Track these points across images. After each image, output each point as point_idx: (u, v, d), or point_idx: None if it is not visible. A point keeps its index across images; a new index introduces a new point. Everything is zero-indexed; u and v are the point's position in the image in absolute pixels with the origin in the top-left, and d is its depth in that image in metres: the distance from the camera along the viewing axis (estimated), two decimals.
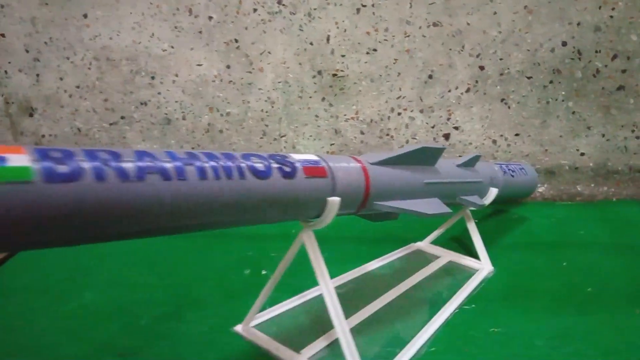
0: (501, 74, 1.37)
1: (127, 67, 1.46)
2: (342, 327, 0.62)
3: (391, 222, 0.83)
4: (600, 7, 1.29)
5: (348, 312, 0.77)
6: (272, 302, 0.81)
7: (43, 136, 1.58)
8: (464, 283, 0.91)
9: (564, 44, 1.33)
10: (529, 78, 1.37)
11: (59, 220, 0.38)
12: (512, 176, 1.13)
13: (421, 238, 1.12)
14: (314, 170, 0.59)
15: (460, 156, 1.22)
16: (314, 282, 0.64)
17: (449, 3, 1.32)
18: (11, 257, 1.04)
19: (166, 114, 1.49)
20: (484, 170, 1.00)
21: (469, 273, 0.96)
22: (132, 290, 0.90)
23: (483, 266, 0.98)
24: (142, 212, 0.43)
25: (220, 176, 0.48)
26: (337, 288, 0.89)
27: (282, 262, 0.70)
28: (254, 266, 1.00)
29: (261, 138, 1.49)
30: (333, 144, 1.48)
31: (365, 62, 1.39)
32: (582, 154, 1.44)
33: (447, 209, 0.78)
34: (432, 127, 1.44)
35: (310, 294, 0.84)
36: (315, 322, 0.76)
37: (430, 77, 1.39)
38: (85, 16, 1.44)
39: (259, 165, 0.53)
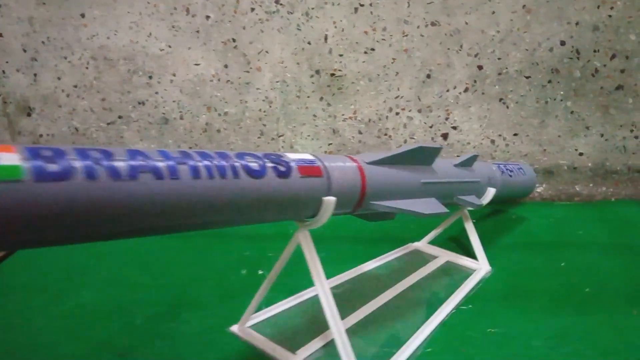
0: (499, 74, 1.37)
1: (124, 67, 1.46)
2: (337, 327, 0.62)
3: (389, 222, 0.82)
4: (598, 7, 1.29)
5: (345, 312, 0.77)
6: (268, 302, 0.80)
7: (41, 136, 1.57)
8: (462, 283, 0.90)
9: (563, 43, 1.33)
10: (527, 78, 1.37)
11: (50, 220, 0.37)
12: (510, 176, 1.13)
13: (419, 238, 1.12)
14: (309, 170, 0.58)
15: (458, 156, 1.22)
16: (310, 282, 0.63)
17: (447, 2, 1.32)
18: (9, 256, 1.03)
19: (164, 113, 1.49)
20: (481, 170, 0.99)
21: (466, 273, 0.96)
22: (129, 289, 0.90)
23: (481, 266, 0.98)
24: (134, 212, 0.42)
25: (214, 175, 0.48)
26: (334, 288, 0.89)
27: (277, 262, 0.69)
28: (251, 266, 0.99)
29: (259, 138, 1.48)
30: (331, 144, 1.47)
31: (363, 62, 1.39)
32: (581, 154, 1.43)
33: (444, 209, 0.77)
34: (430, 127, 1.43)
35: (306, 294, 0.84)
36: (311, 322, 0.76)
37: (428, 76, 1.39)
38: (82, 16, 1.44)
39: (253, 165, 0.52)
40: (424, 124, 1.43)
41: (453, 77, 1.38)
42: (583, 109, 1.39)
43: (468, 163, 0.94)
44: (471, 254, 1.02)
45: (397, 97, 1.41)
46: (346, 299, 0.84)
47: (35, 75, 1.51)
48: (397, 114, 1.43)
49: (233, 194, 0.49)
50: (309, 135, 1.47)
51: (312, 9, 1.35)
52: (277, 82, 1.43)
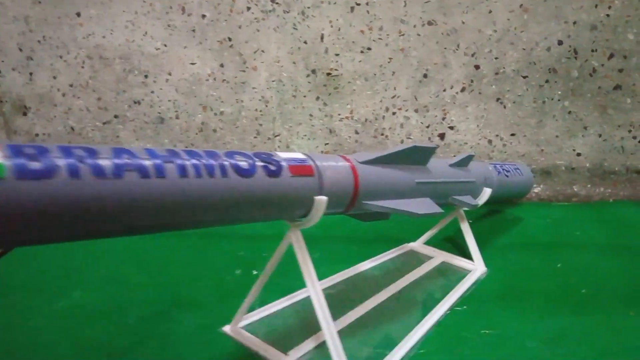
0: (496, 73, 1.36)
1: (120, 66, 1.45)
2: (329, 329, 0.61)
3: (384, 222, 0.82)
4: (596, 6, 1.29)
5: (338, 313, 0.77)
6: (262, 302, 0.80)
7: (37, 135, 1.57)
8: (457, 284, 0.90)
9: (560, 42, 1.33)
10: (524, 77, 1.36)
11: (32, 218, 0.37)
12: (507, 176, 1.12)
13: (414, 238, 1.11)
14: (300, 169, 0.58)
15: (454, 156, 1.21)
16: (304, 283, 0.63)
17: (444, 2, 1.31)
18: (3, 255, 1.03)
19: (159, 113, 1.48)
20: (477, 170, 0.99)
21: (462, 274, 0.95)
22: (123, 289, 0.90)
23: (476, 267, 0.97)
24: (119, 210, 0.42)
25: (202, 174, 0.47)
26: (328, 289, 0.88)
27: (269, 262, 0.69)
28: (246, 266, 0.99)
29: (255, 137, 1.48)
30: (327, 144, 1.47)
31: (360, 61, 1.38)
32: (579, 154, 1.43)
33: (438, 209, 0.77)
34: (427, 127, 1.43)
35: (299, 295, 0.84)
36: (303, 323, 0.75)
37: (425, 76, 1.38)
38: (78, 15, 1.43)
39: (243, 164, 0.52)
40: (421, 124, 1.43)
41: (450, 77, 1.38)
42: (581, 109, 1.38)
43: (463, 163, 0.94)
44: (467, 255, 1.01)
45: (393, 97, 1.41)
46: (340, 300, 0.84)
47: (31, 74, 1.51)
48: (394, 113, 1.42)
49: (221, 193, 0.49)
50: (305, 135, 1.46)
51: (308, 8, 1.34)
52: (273, 81, 1.42)
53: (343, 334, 0.72)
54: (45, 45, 1.47)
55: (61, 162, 0.38)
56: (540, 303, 0.85)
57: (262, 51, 1.39)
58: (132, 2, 1.39)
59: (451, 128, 1.43)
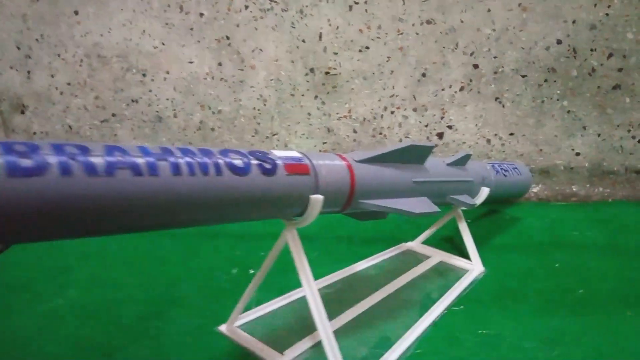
0: (495, 73, 1.36)
1: (118, 65, 1.45)
2: (325, 328, 0.61)
3: (382, 222, 0.81)
4: (595, 5, 1.28)
5: (335, 313, 0.77)
6: (258, 302, 0.79)
7: (34, 133, 1.56)
8: (454, 284, 0.89)
9: (559, 42, 1.32)
10: (523, 77, 1.36)
11: (23, 216, 0.36)
12: (505, 176, 1.12)
13: (412, 238, 1.11)
14: (296, 168, 0.57)
15: (452, 155, 1.21)
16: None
17: (443, 0, 1.31)
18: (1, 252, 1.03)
19: (157, 111, 1.48)
20: (475, 170, 0.98)
21: (459, 274, 0.95)
22: (118, 288, 0.89)
23: (474, 267, 0.97)
24: (110, 208, 0.41)
25: (195, 172, 0.47)
26: (326, 288, 0.88)
27: (265, 261, 0.68)
28: (243, 265, 0.99)
29: (253, 136, 1.47)
30: (325, 143, 1.46)
31: (358, 60, 1.38)
32: (578, 154, 1.42)
33: (435, 208, 0.76)
34: (426, 126, 1.42)
35: (296, 294, 0.83)
36: (300, 322, 0.75)
37: (423, 75, 1.38)
38: (76, 13, 1.43)
39: (237, 162, 0.51)
40: (419, 123, 1.42)
41: (448, 76, 1.37)
42: (580, 108, 1.38)
43: (461, 162, 0.93)
44: (464, 255, 1.01)
45: (392, 96, 1.40)
46: (337, 299, 0.83)
47: (28, 72, 1.50)
48: (392, 112, 1.42)
49: (215, 191, 0.49)
50: (303, 134, 1.46)
51: (307, 6, 1.34)
52: (272, 80, 1.42)
53: (339, 333, 0.72)
54: (43, 43, 1.47)
55: (52, 159, 0.38)
56: (537, 303, 0.84)
57: (260, 50, 1.39)
58: (129, 0, 1.38)
59: (450, 127, 1.42)
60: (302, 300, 0.81)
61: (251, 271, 0.96)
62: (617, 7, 1.28)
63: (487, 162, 1.09)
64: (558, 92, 1.37)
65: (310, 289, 0.61)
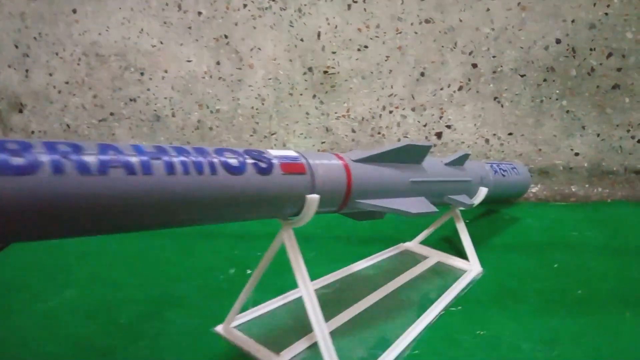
0: (494, 72, 1.35)
1: (116, 63, 1.45)
2: (321, 330, 0.60)
3: (380, 222, 0.81)
4: (595, 4, 1.28)
5: (332, 313, 0.76)
6: (255, 302, 0.79)
7: (32, 132, 1.56)
8: (452, 284, 0.89)
9: (558, 41, 1.32)
10: (522, 76, 1.36)
11: (14, 214, 0.36)
12: (504, 176, 1.12)
13: (410, 238, 1.10)
14: (292, 167, 0.57)
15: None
16: None
17: None
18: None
19: (155, 110, 1.47)
20: (473, 169, 0.98)
21: (457, 274, 0.94)
22: (115, 288, 0.89)
23: (472, 267, 0.96)
24: (103, 208, 0.41)
25: (190, 171, 0.46)
26: (323, 288, 0.87)
27: (262, 261, 0.68)
28: (240, 265, 0.98)
29: (251, 136, 1.47)
30: (324, 142, 1.46)
31: (357, 59, 1.37)
32: (577, 154, 1.42)
33: (433, 208, 0.76)
34: (424, 126, 1.42)
35: (293, 295, 0.83)
36: (296, 323, 0.75)
37: (422, 74, 1.37)
38: (74, 11, 1.42)
39: (232, 161, 0.51)
40: (418, 123, 1.42)
41: (447, 75, 1.37)
42: (579, 108, 1.37)
43: (459, 162, 0.93)
44: (463, 255, 1.00)
45: (390, 95, 1.40)
46: (335, 299, 0.83)
47: (27, 71, 1.50)
48: (391, 112, 1.41)
49: (210, 190, 0.48)
50: (301, 134, 1.45)
51: (305, 5, 1.33)
52: (270, 79, 1.41)
53: (337, 334, 0.71)
54: (41, 42, 1.47)
55: (44, 157, 0.38)
56: (535, 304, 0.84)
57: (259, 49, 1.39)
58: None
59: (448, 127, 1.42)
60: (299, 301, 0.81)
61: (249, 271, 0.95)
62: (617, 7, 1.27)
63: (486, 161, 1.08)
64: (557, 91, 1.36)
65: (306, 289, 0.61)
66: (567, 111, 1.38)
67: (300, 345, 0.69)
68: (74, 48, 1.45)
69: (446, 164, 0.89)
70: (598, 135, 1.39)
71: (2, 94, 1.53)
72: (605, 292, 0.88)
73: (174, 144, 1.49)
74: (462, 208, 0.98)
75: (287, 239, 0.62)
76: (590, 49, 1.32)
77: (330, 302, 0.80)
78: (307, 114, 1.43)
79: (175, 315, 0.79)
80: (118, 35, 1.42)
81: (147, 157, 0.44)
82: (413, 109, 1.41)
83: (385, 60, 1.37)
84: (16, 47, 1.48)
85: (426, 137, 1.43)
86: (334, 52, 1.37)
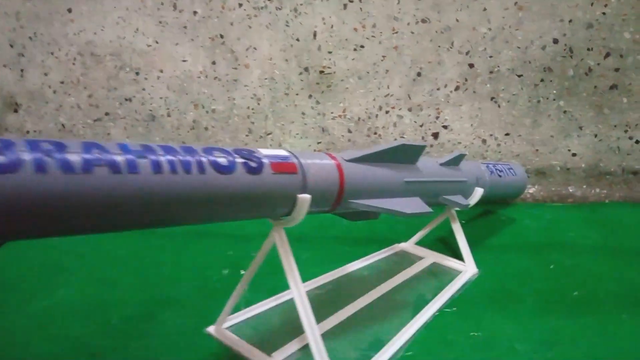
0: (491, 72, 1.35)
1: (111, 63, 1.44)
2: (312, 331, 0.60)
3: (375, 222, 0.80)
4: (592, 4, 1.27)
5: (326, 314, 0.75)
6: (247, 303, 0.78)
7: (27, 132, 1.55)
8: (447, 285, 0.88)
9: (556, 41, 1.31)
10: (519, 76, 1.35)
11: None
12: (500, 176, 1.11)
13: (405, 238, 1.09)
14: (283, 166, 0.56)
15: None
16: None
17: None
18: None
19: (151, 110, 1.46)
20: (469, 170, 0.97)
21: (452, 275, 0.93)
22: (107, 289, 0.88)
23: (467, 268, 0.96)
24: (87, 207, 0.40)
25: (177, 170, 0.46)
26: (317, 289, 0.87)
27: (253, 262, 0.67)
28: (233, 266, 0.97)
29: (247, 136, 1.46)
30: (320, 142, 1.45)
31: (353, 59, 1.37)
32: (574, 155, 1.41)
33: (427, 209, 0.75)
34: (421, 126, 1.41)
35: (285, 296, 0.82)
36: (289, 324, 0.74)
37: (418, 74, 1.37)
38: (69, 11, 1.42)
39: (222, 160, 0.50)
40: (414, 123, 1.41)
41: (444, 75, 1.36)
42: (576, 108, 1.37)
43: (455, 162, 0.92)
44: (458, 256, 0.99)
45: (387, 96, 1.39)
46: (329, 300, 0.82)
47: (22, 71, 1.49)
48: (387, 112, 1.41)
49: (198, 189, 0.47)
50: (297, 134, 1.45)
51: (301, 4, 1.33)
52: (266, 79, 1.40)
53: (329, 335, 0.71)
54: (36, 41, 1.46)
55: (27, 156, 0.37)
56: (531, 305, 0.83)
57: (254, 48, 1.38)
58: None
59: (445, 127, 1.41)
60: (292, 302, 0.80)
61: (242, 272, 0.94)
62: (614, 6, 1.27)
63: (482, 162, 1.08)
64: (554, 91, 1.36)
65: (297, 290, 0.60)
66: (565, 111, 1.37)
67: (292, 347, 0.68)
68: (69, 47, 1.44)
69: (441, 164, 0.88)
70: (595, 135, 1.39)
71: None
72: (602, 293, 0.88)
73: (169, 143, 1.48)
74: (457, 208, 0.97)
75: (279, 240, 0.61)
76: (588, 49, 1.31)
77: (324, 303, 0.80)
78: (303, 114, 1.43)
79: (168, 316, 0.78)
80: (113, 35, 1.41)
81: (133, 155, 0.43)
82: (409, 109, 1.40)
83: (382, 60, 1.36)
84: (11, 46, 1.47)
85: (423, 138, 1.42)
86: (330, 52, 1.36)
